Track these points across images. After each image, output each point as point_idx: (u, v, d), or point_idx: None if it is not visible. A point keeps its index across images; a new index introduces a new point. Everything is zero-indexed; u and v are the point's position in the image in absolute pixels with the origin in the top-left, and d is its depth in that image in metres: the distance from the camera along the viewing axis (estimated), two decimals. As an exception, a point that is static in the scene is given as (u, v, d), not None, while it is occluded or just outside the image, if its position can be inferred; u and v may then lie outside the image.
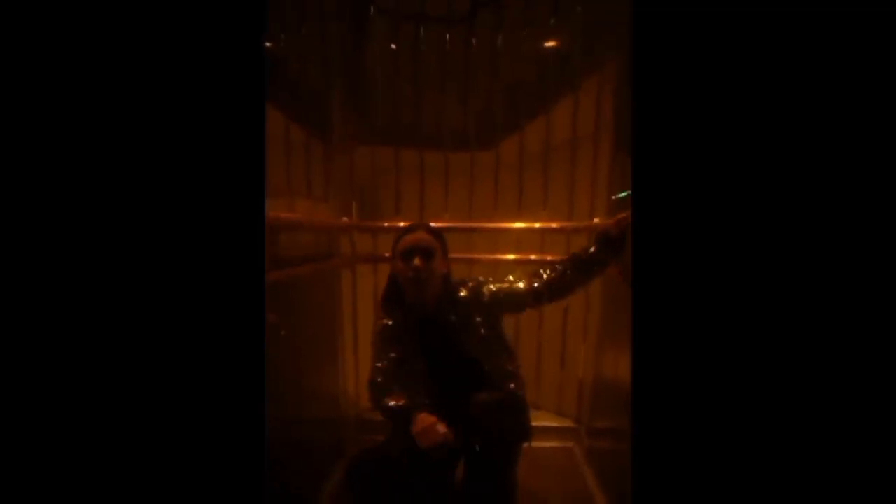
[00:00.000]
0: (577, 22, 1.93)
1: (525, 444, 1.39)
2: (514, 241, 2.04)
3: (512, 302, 1.40)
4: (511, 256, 2.00)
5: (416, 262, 1.29)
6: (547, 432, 2.04)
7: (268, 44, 1.22)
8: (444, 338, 1.36)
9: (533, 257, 1.99)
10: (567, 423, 2.11)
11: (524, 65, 2.05)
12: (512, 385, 1.38)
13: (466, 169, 2.07)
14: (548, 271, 1.38)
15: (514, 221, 2.02)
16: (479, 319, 1.36)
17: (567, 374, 2.14)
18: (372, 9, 1.97)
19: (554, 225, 1.98)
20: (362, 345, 2.09)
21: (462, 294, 1.38)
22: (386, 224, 1.99)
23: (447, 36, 2.00)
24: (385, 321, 1.45)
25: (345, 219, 1.94)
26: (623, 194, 1.65)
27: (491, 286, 1.39)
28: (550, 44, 2.03)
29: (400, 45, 2.02)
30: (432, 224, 2.01)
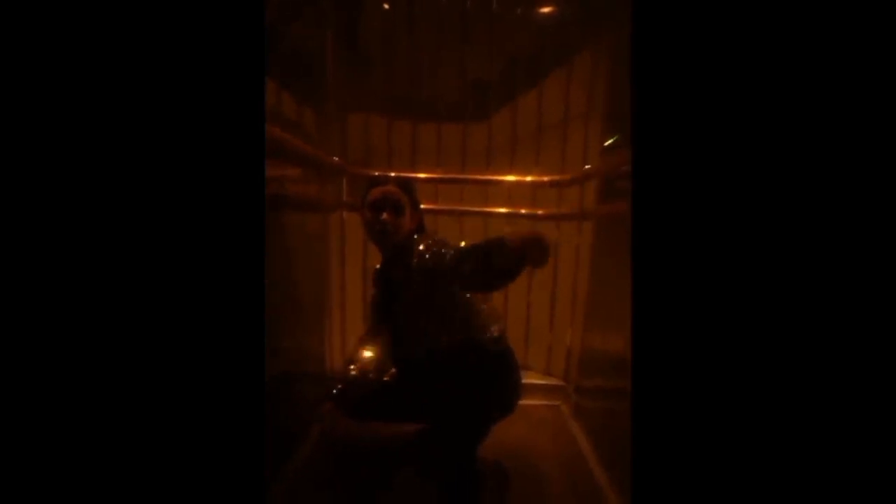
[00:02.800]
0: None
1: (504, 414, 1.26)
2: (504, 194, 2.01)
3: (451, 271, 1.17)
4: (502, 210, 1.95)
5: (384, 216, 1.23)
6: (535, 390, 2.03)
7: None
8: (403, 294, 1.27)
9: (524, 211, 1.96)
10: (554, 381, 2.09)
11: (519, 31, 2.02)
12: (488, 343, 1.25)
13: (459, 138, 2.05)
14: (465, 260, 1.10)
15: (506, 175, 2.00)
16: (439, 278, 1.20)
17: (556, 335, 2.13)
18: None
19: (545, 178, 1.93)
20: (350, 298, 2.06)
21: (421, 250, 1.21)
22: (377, 173, 1.92)
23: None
24: (376, 269, 1.43)
25: (336, 158, 1.90)
26: (613, 139, 1.61)
27: (448, 249, 1.17)
28: (546, 9, 1.99)
29: (394, 7, 1.99)
30: (422, 175, 1.98)
